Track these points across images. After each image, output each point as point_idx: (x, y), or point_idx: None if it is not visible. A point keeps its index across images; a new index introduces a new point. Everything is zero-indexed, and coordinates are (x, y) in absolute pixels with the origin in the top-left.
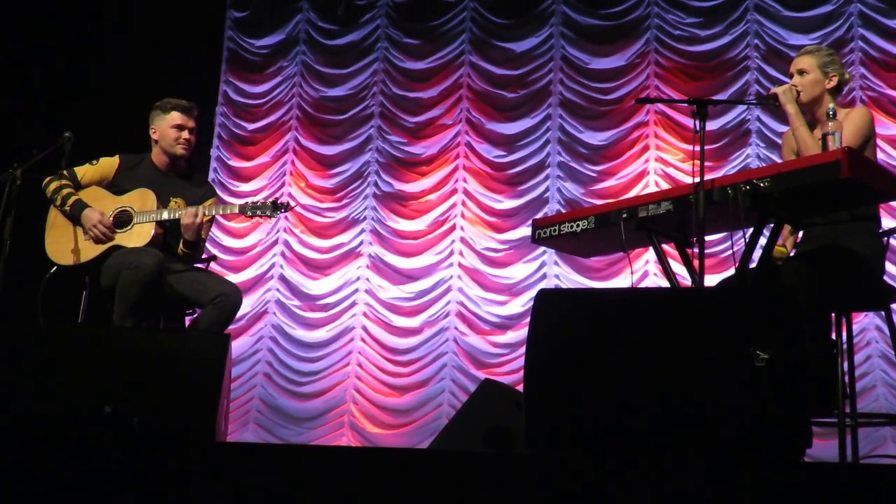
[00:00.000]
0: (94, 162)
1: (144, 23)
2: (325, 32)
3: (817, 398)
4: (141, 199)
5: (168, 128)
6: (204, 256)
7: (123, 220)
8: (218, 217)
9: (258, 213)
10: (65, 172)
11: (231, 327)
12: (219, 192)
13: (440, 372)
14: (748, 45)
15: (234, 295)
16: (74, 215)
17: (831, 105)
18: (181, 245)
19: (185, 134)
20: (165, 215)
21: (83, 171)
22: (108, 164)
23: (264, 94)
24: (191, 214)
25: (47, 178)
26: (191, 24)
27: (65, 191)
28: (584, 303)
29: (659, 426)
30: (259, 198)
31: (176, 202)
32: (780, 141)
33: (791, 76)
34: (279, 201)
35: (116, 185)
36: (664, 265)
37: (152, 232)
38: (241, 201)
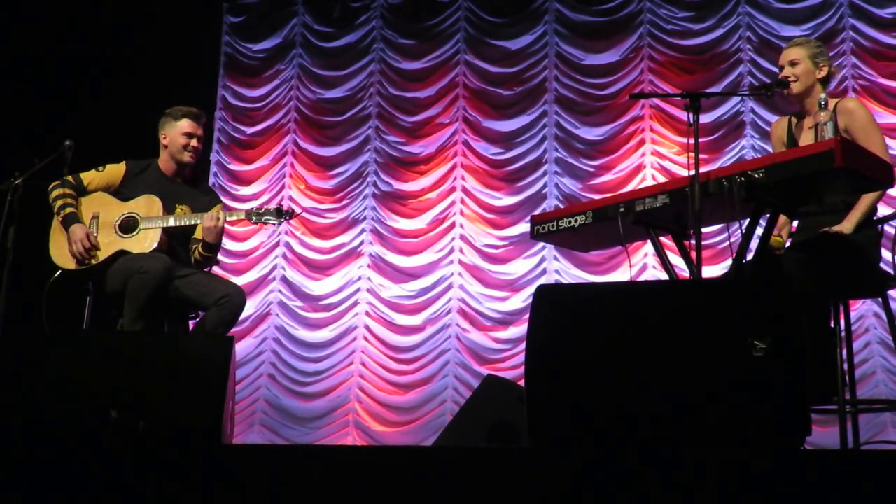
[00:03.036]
0: (101, 168)
1: (142, 31)
2: (321, 35)
3: (817, 386)
4: (147, 206)
5: (178, 135)
6: None
7: (129, 225)
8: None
9: (263, 219)
10: (70, 178)
11: (234, 329)
12: (220, 196)
13: (443, 369)
14: (740, 38)
15: (237, 296)
16: (65, 227)
17: (823, 95)
18: (199, 248)
19: (194, 142)
20: (171, 222)
21: (90, 178)
22: (115, 171)
23: (262, 98)
24: (212, 218)
25: (53, 184)
26: (188, 30)
27: (64, 199)
28: (582, 297)
29: (659, 417)
30: (262, 201)
31: (181, 209)
32: None
33: (781, 68)
34: (284, 208)
35: (123, 192)
36: (662, 258)
37: (158, 238)
38: (247, 206)
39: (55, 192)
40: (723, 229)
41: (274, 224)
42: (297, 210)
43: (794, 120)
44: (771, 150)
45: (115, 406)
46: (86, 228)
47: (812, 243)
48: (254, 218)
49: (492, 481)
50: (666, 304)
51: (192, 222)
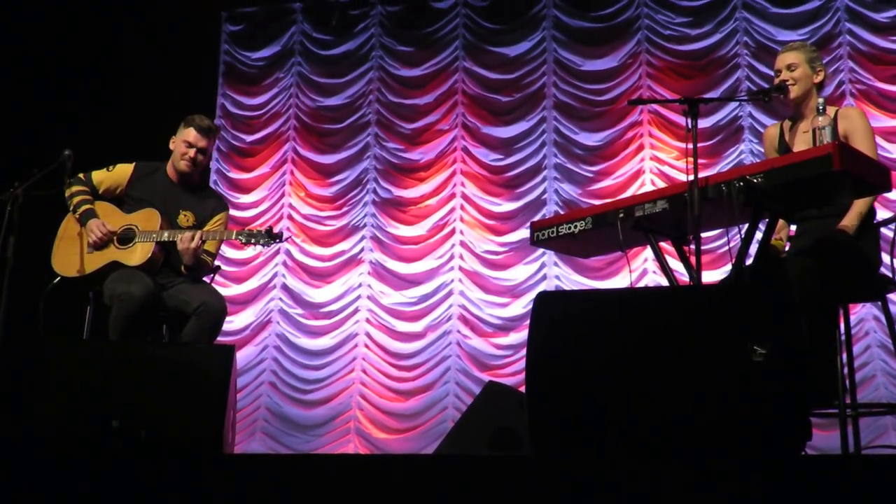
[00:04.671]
0: (111, 168)
1: (142, 39)
2: (320, 43)
3: (818, 390)
4: (146, 219)
5: (181, 142)
6: None
7: (127, 237)
8: None
9: (252, 241)
10: (82, 177)
11: (235, 338)
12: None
13: (444, 375)
14: (738, 43)
15: (215, 303)
16: (82, 222)
17: (821, 100)
18: (183, 266)
19: (192, 152)
20: (166, 236)
21: (100, 178)
22: (123, 172)
23: (262, 106)
24: (184, 240)
25: (67, 182)
26: (187, 39)
27: (81, 196)
28: (582, 304)
29: (659, 423)
30: (262, 209)
31: (185, 215)
32: None
33: (777, 72)
34: (275, 231)
35: (131, 193)
36: (662, 263)
37: (151, 251)
38: (246, 214)
39: (73, 189)
40: (722, 234)
41: (263, 247)
42: (286, 234)
43: (786, 125)
44: None
45: (117, 415)
46: (100, 221)
47: (814, 247)
48: (243, 239)
49: (493, 488)
50: (666, 309)
51: None
